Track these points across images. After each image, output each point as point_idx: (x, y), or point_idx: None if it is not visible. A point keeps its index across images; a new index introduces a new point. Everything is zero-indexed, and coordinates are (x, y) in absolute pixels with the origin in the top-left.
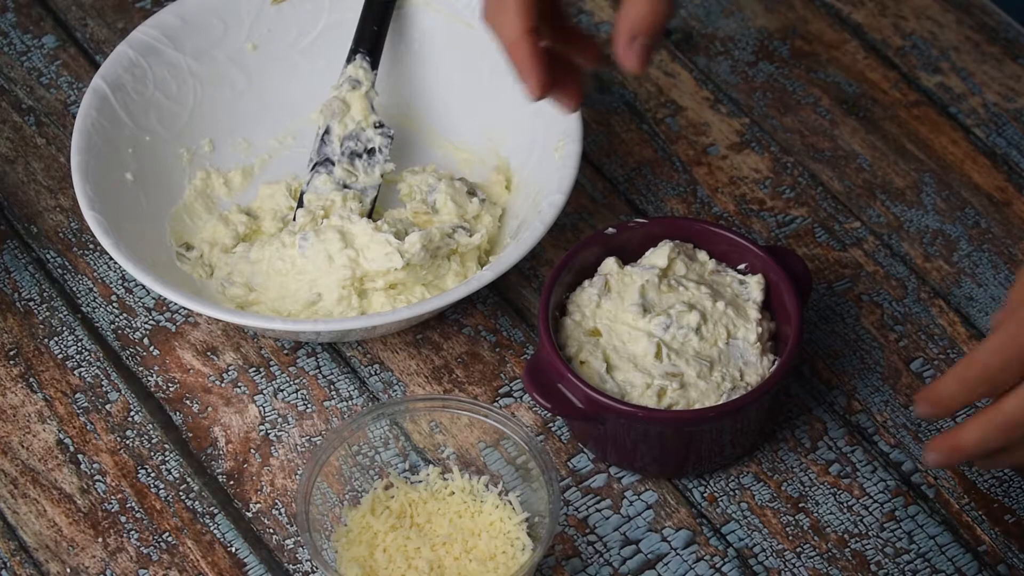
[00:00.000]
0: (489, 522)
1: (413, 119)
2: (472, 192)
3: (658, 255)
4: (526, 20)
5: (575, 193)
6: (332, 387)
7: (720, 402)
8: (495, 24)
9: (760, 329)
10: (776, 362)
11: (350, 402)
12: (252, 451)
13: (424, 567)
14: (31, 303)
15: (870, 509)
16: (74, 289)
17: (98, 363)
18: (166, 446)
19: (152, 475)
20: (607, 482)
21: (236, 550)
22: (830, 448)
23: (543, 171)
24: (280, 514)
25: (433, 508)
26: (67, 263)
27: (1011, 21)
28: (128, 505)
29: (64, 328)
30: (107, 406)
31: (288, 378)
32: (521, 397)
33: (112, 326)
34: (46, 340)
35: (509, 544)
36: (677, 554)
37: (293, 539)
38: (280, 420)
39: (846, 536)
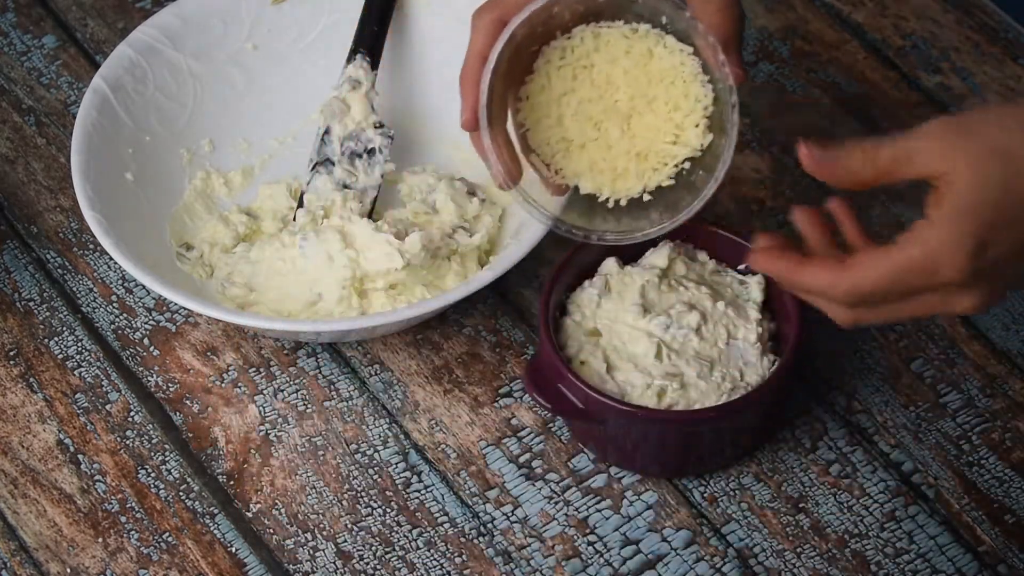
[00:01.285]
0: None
1: (413, 119)
2: (472, 192)
3: (658, 255)
4: (487, 45)
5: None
6: (332, 387)
7: (720, 402)
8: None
9: (760, 329)
10: (776, 362)
11: (350, 402)
12: (252, 451)
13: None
14: (31, 303)
15: (870, 509)
16: (74, 289)
17: (98, 363)
18: (166, 446)
19: (152, 475)
20: (607, 482)
21: (236, 550)
22: (830, 448)
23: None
24: (280, 514)
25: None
26: (67, 263)
27: (1011, 21)
28: (128, 505)
29: (64, 328)
30: (107, 406)
31: (288, 378)
32: (521, 397)
33: (112, 326)
34: (46, 340)
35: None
36: (677, 554)
37: (293, 539)
38: (280, 420)
39: (846, 536)
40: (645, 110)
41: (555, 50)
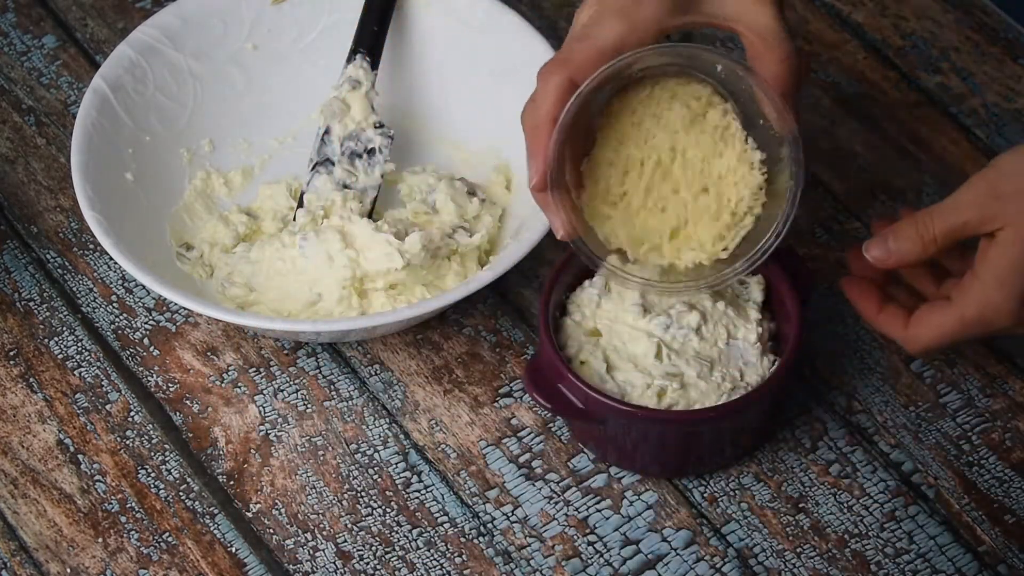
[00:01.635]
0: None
1: (413, 119)
2: (472, 192)
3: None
4: (558, 107)
5: None
6: (332, 387)
7: (720, 402)
8: (527, 111)
9: (760, 329)
10: (776, 362)
11: (350, 402)
12: (252, 451)
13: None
14: (31, 303)
15: (870, 509)
16: (74, 289)
17: (98, 363)
18: (166, 446)
19: (152, 475)
20: (607, 482)
21: (236, 550)
22: (830, 448)
23: None
24: (280, 514)
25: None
26: (67, 263)
27: (1011, 21)
28: (128, 505)
29: (64, 328)
30: (107, 406)
31: (288, 378)
32: (521, 397)
33: (112, 326)
34: (46, 340)
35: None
36: (677, 554)
37: (293, 539)
38: (280, 420)
39: (846, 536)
40: (702, 191)
41: (620, 114)
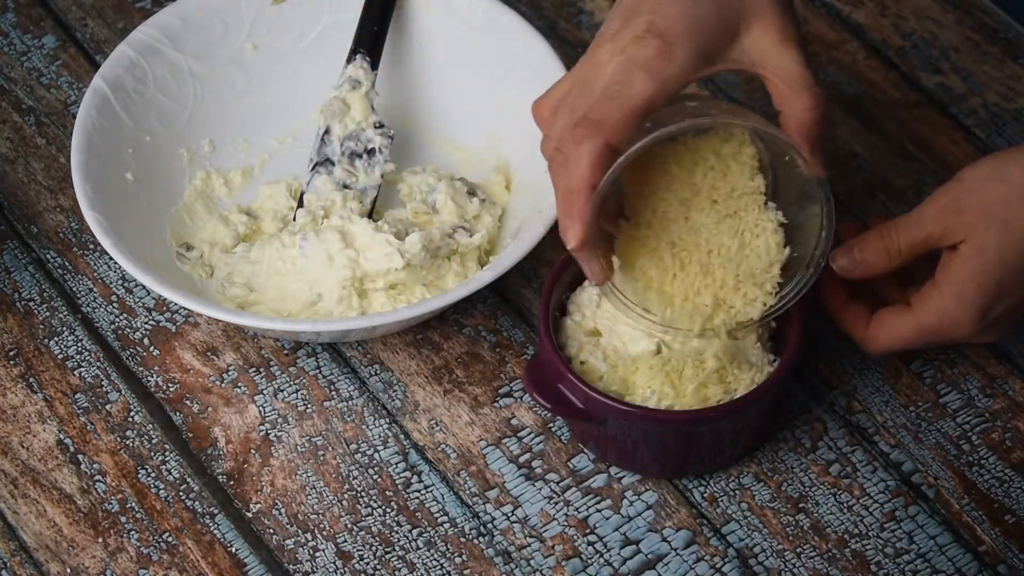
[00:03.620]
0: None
1: (413, 119)
2: (472, 192)
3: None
4: (595, 174)
5: None
6: (332, 387)
7: (720, 402)
8: (559, 171)
9: (760, 329)
10: (776, 362)
11: (350, 402)
12: (252, 451)
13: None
14: (31, 303)
15: (870, 509)
16: (74, 289)
17: (98, 363)
18: (166, 446)
19: (152, 475)
20: (607, 482)
21: (236, 550)
22: (830, 448)
23: (543, 171)
24: (280, 514)
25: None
26: (67, 263)
27: (1011, 21)
28: (128, 505)
29: (64, 328)
30: (107, 406)
31: (288, 378)
32: (521, 397)
33: (112, 326)
34: (46, 340)
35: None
36: (677, 554)
37: (293, 539)
38: (280, 420)
39: (846, 536)
40: (728, 260)
41: (652, 172)
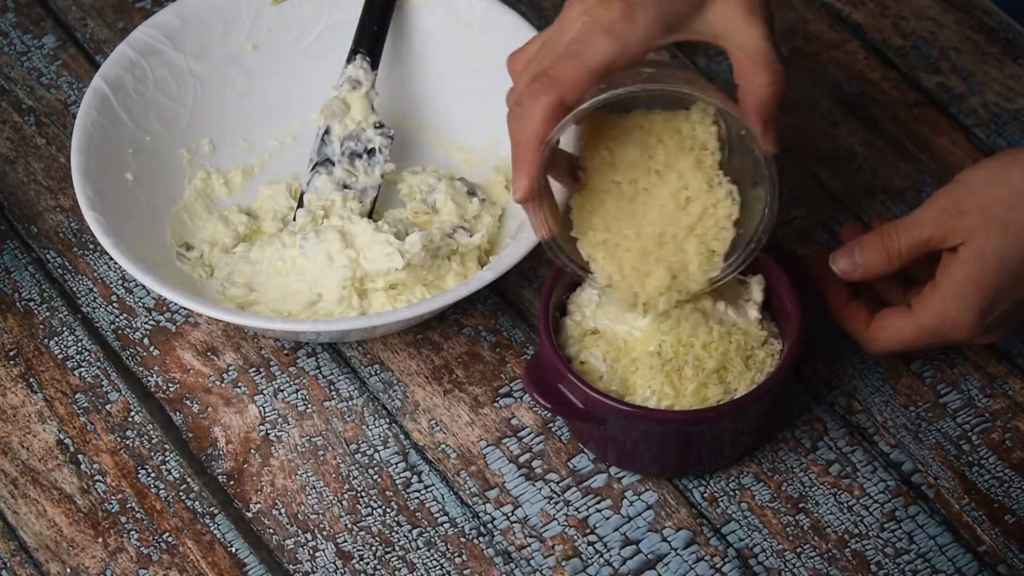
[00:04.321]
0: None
1: (413, 119)
2: (472, 192)
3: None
4: (546, 129)
5: None
6: (332, 387)
7: (720, 402)
8: (513, 123)
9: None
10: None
11: (350, 402)
12: (252, 451)
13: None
14: (31, 303)
15: (870, 509)
16: (74, 289)
17: (98, 363)
18: (166, 446)
19: (152, 475)
20: (607, 482)
21: (236, 550)
22: (830, 448)
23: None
24: (280, 514)
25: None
26: (67, 263)
27: (1011, 21)
28: (128, 505)
29: (64, 328)
30: (107, 406)
31: (288, 378)
32: (521, 397)
33: (112, 326)
34: (46, 340)
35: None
36: (677, 554)
37: (293, 539)
38: (280, 420)
39: (846, 536)
40: (682, 228)
41: (606, 135)
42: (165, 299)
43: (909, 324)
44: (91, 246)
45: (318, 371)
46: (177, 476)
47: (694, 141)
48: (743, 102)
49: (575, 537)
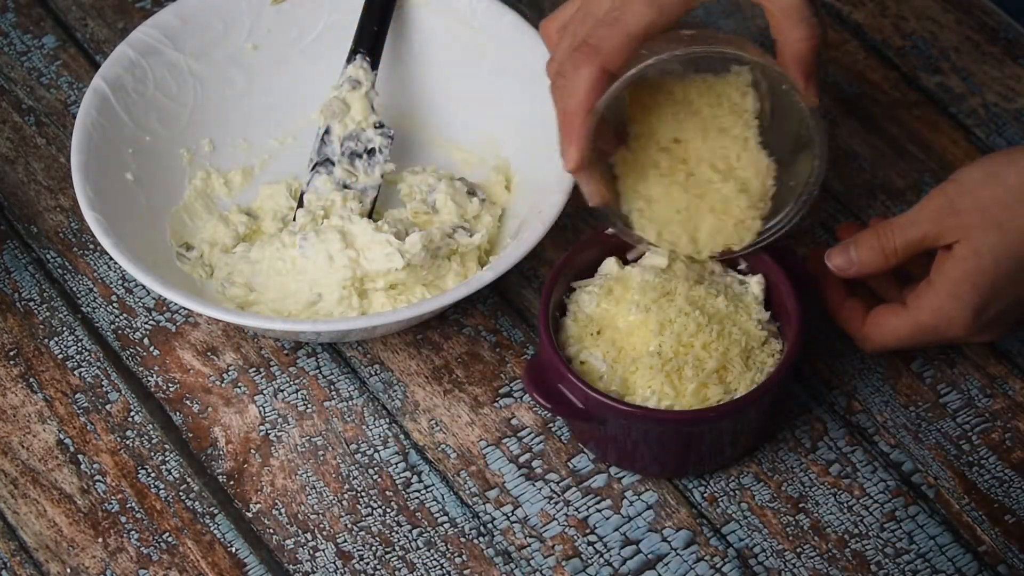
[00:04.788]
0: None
1: (413, 119)
2: (472, 192)
3: (658, 255)
4: (592, 98)
5: (575, 193)
6: (332, 387)
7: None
8: (558, 94)
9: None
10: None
11: (350, 402)
12: (252, 451)
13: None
14: (31, 303)
15: (870, 509)
16: (74, 289)
17: (98, 363)
18: (166, 446)
19: (152, 475)
20: (607, 482)
21: (236, 550)
22: (830, 448)
23: (543, 171)
24: (280, 514)
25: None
26: (67, 263)
27: (1011, 21)
28: (128, 505)
29: (64, 328)
30: (107, 406)
31: (288, 378)
32: (521, 397)
33: (112, 326)
34: (46, 340)
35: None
36: (677, 554)
37: (293, 539)
38: (280, 420)
39: (846, 536)
40: (720, 185)
41: (652, 97)
42: (165, 299)
43: (904, 322)
44: (91, 246)
45: (318, 371)
46: (177, 476)
47: (732, 104)
48: (782, 58)
49: (575, 537)
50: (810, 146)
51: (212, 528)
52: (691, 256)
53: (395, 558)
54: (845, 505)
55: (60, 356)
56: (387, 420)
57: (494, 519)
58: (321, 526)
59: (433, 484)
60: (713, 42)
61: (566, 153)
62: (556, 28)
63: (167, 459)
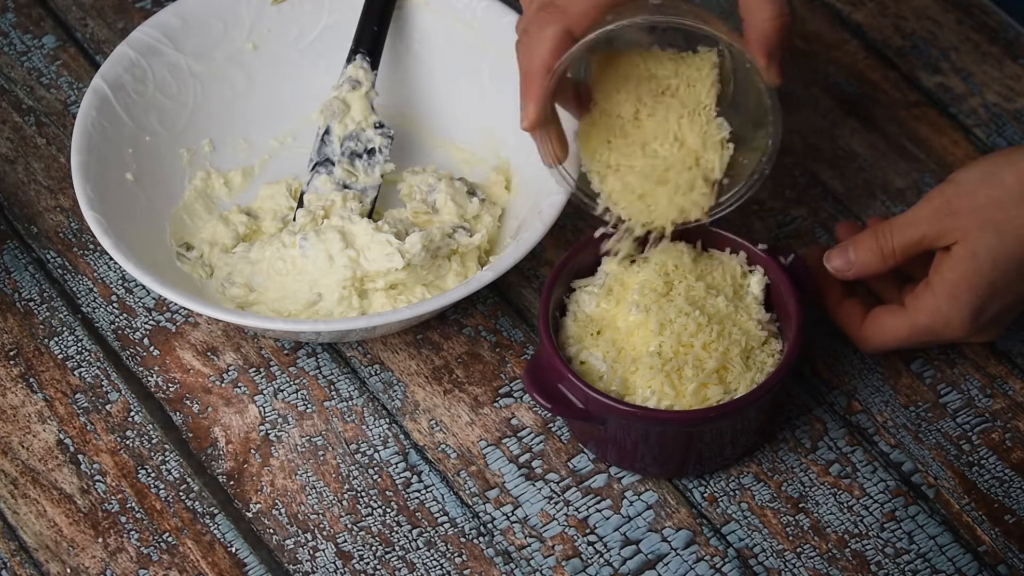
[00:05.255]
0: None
1: (413, 119)
2: (472, 192)
3: (658, 255)
4: (553, 58)
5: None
6: (332, 387)
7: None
8: (522, 53)
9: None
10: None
11: (350, 402)
12: (252, 451)
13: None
14: (31, 303)
15: (870, 509)
16: (74, 289)
17: (98, 363)
18: (166, 446)
19: (152, 475)
20: (607, 482)
21: (236, 550)
22: (830, 448)
23: (543, 171)
24: (280, 514)
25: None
26: (67, 263)
27: (1011, 21)
28: (128, 505)
29: (64, 328)
30: (107, 406)
31: (288, 378)
32: (521, 397)
33: (112, 326)
34: (46, 340)
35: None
36: (677, 554)
37: (293, 539)
38: (280, 420)
39: (846, 536)
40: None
41: (612, 67)
42: (165, 299)
43: (902, 322)
44: (91, 246)
45: (318, 371)
46: (177, 476)
47: (694, 80)
48: (748, 36)
49: (575, 537)
50: (766, 125)
51: (212, 528)
52: (646, 226)
53: (395, 558)
54: (845, 505)
55: (60, 356)
56: (387, 420)
57: (494, 519)
58: (321, 526)
59: (433, 484)
60: (678, 13)
61: (523, 110)
62: None
63: (167, 459)
